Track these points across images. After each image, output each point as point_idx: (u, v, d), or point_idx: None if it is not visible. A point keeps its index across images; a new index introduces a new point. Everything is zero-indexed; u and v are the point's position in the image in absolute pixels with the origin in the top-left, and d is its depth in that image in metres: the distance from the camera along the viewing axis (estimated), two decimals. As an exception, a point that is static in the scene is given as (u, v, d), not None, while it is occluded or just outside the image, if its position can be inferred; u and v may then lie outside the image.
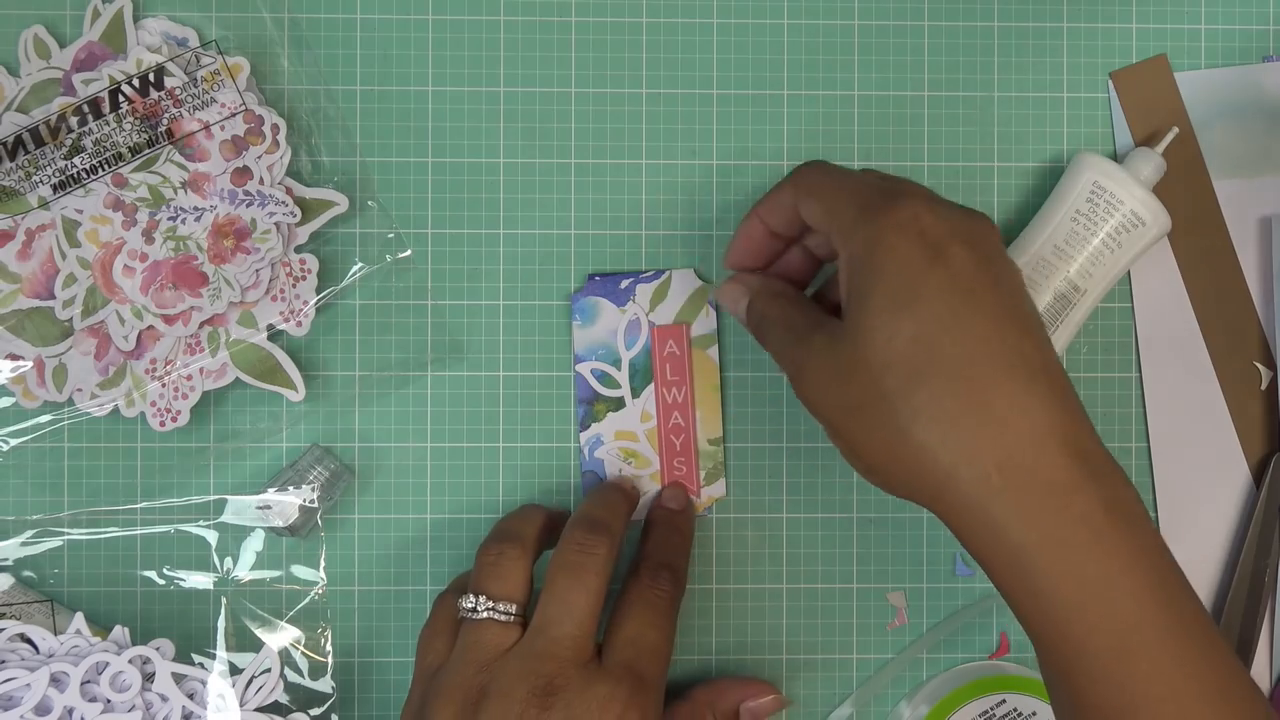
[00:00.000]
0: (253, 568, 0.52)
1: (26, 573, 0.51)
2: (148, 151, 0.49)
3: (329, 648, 0.51)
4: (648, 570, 0.48)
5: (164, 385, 0.50)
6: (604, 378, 0.52)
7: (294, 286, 0.50)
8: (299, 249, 0.51)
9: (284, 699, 0.49)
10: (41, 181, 0.49)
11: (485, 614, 0.45)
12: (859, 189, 0.43)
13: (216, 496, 0.52)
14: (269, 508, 0.51)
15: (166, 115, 0.49)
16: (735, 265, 0.49)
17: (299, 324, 0.50)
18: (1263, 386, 0.53)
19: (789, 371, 0.44)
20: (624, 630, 0.46)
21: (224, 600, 0.51)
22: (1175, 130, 0.52)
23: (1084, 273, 0.50)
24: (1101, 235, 0.50)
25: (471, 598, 0.46)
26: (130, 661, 0.48)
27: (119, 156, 0.49)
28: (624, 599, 0.47)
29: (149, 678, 0.48)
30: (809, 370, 0.42)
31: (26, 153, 0.49)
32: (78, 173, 0.49)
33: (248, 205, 0.50)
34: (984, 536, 0.39)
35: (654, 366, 0.52)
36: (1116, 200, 0.50)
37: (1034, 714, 0.51)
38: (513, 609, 0.46)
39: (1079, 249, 0.50)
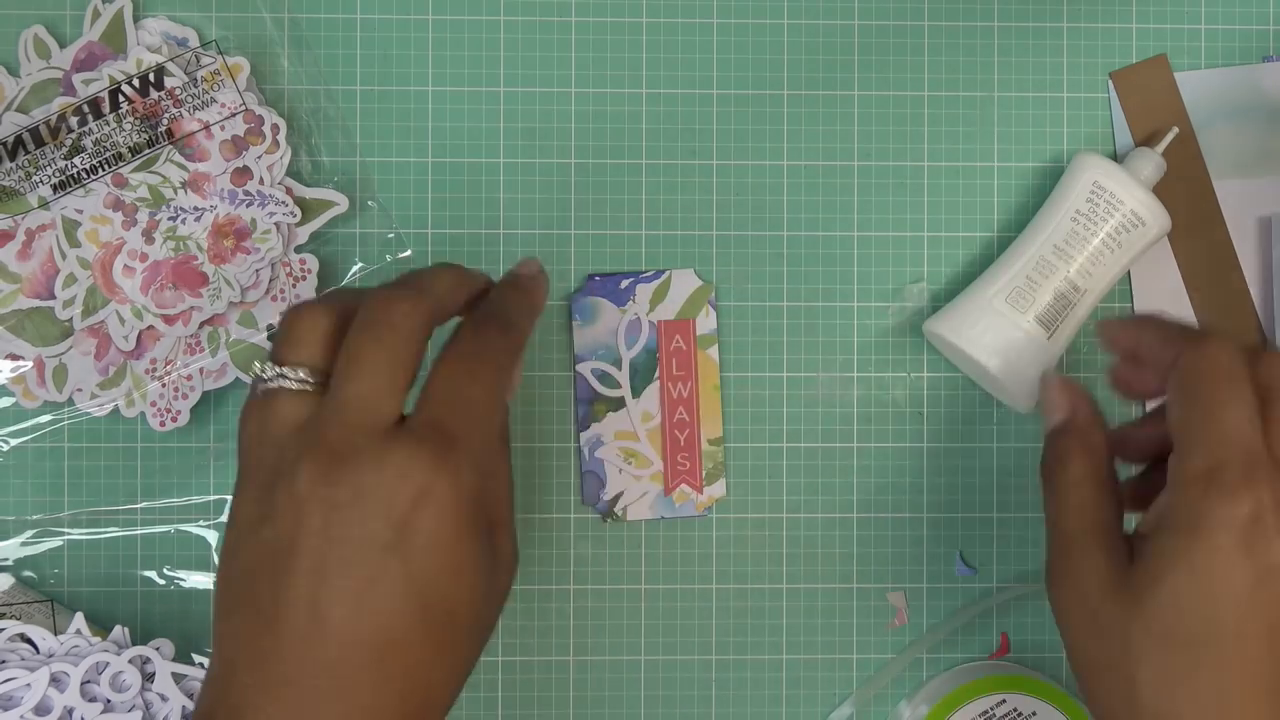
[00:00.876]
0: (253, 568, 0.51)
1: (26, 573, 0.51)
2: (148, 151, 0.49)
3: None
4: (469, 322, 0.42)
5: (164, 385, 0.50)
6: (604, 378, 0.52)
7: (294, 286, 0.50)
8: (299, 249, 0.51)
9: (284, 699, 0.49)
10: (41, 181, 0.49)
11: (275, 382, 0.39)
12: (1224, 438, 0.38)
13: (216, 496, 0.52)
14: (269, 508, 0.51)
15: (166, 115, 0.49)
16: (1112, 342, 0.45)
17: (299, 324, 0.50)
18: (1263, 386, 0.53)
19: (1051, 559, 0.41)
20: (431, 386, 0.40)
21: (224, 600, 0.51)
22: (1175, 130, 0.52)
23: (1084, 272, 0.50)
24: (1101, 235, 0.50)
25: (258, 364, 0.40)
26: (130, 661, 0.48)
27: (119, 156, 0.49)
28: (439, 359, 0.40)
29: (149, 678, 0.48)
30: (1071, 593, 0.40)
31: (26, 153, 0.49)
32: (78, 173, 0.49)
33: (248, 205, 0.50)
34: None
35: (659, 361, 0.52)
36: (1116, 200, 0.50)
37: (1034, 714, 0.51)
38: (303, 374, 0.39)
39: (1079, 249, 0.50)
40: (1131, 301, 0.53)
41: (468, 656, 0.40)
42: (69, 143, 0.49)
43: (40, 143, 0.49)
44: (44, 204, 0.49)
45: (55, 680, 0.47)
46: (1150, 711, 0.38)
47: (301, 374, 0.39)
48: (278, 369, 0.40)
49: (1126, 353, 0.44)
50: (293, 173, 0.51)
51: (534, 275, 0.45)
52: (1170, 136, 0.51)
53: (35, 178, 0.49)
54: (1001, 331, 0.49)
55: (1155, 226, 0.50)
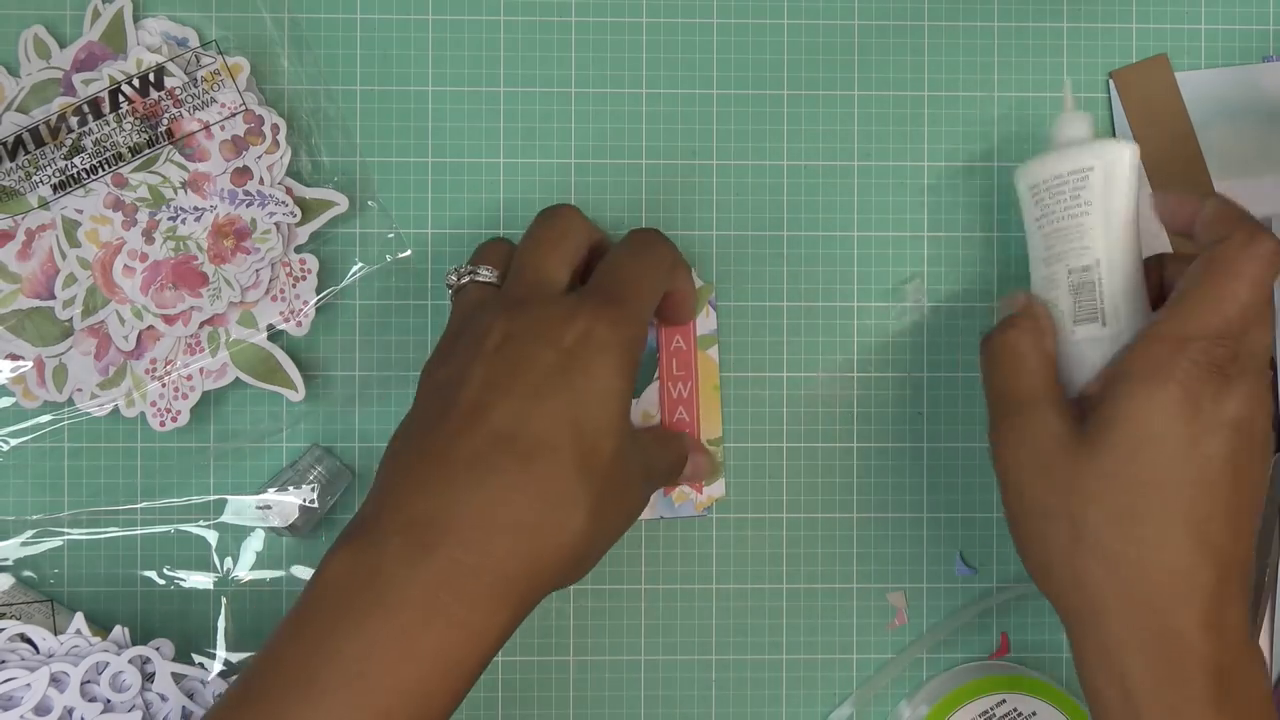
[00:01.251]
0: (253, 568, 0.52)
1: (26, 573, 0.51)
2: (148, 151, 0.49)
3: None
4: (640, 230, 0.48)
5: (164, 385, 0.50)
6: (604, 378, 0.52)
7: (294, 286, 0.50)
8: (299, 249, 0.51)
9: (284, 699, 0.49)
10: (41, 181, 0.49)
11: (466, 278, 0.47)
12: (1219, 313, 0.42)
13: (216, 496, 0.52)
14: (269, 508, 0.51)
15: (166, 115, 0.49)
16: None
17: (299, 324, 0.50)
18: (1263, 386, 0.53)
19: (998, 423, 0.45)
20: (599, 264, 0.46)
21: (224, 600, 0.51)
22: (1068, 80, 0.49)
23: (1081, 250, 0.47)
24: (1065, 214, 0.47)
25: (452, 269, 0.48)
26: (130, 661, 0.48)
27: (119, 156, 0.49)
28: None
29: (149, 678, 0.48)
30: (1023, 450, 0.44)
31: (26, 153, 0.49)
32: (78, 173, 0.49)
33: (248, 205, 0.50)
34: (1103, 673, 0.42)
35: (660, 362, 0.52)
36: (1051, 176, 0.47)
37: (1034, 714, 0.51)
38: (488, 270, 0.47)
39: (1062, 241, 0.47)
40: (1131, 301, 0.53)
41: (602, 503, 0.42)
42: (69, 143, 0.49)
43: (40, 143, 0.49)
44: (44, 204, 0.49)
45: (55, 680, 0.47)
46: (1095, 548, 0.41)
47: (486, 270, 0.47)
48: (471, 267, 0.47)
49: (1184, 228, 0.46)
50: (293, 173, 0.51)
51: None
52: (1068, 87, 0.48)
53: (35, 178, 0.49)
54: (1067, 355, 0.47)
55: (1101, 161, 0.46)
